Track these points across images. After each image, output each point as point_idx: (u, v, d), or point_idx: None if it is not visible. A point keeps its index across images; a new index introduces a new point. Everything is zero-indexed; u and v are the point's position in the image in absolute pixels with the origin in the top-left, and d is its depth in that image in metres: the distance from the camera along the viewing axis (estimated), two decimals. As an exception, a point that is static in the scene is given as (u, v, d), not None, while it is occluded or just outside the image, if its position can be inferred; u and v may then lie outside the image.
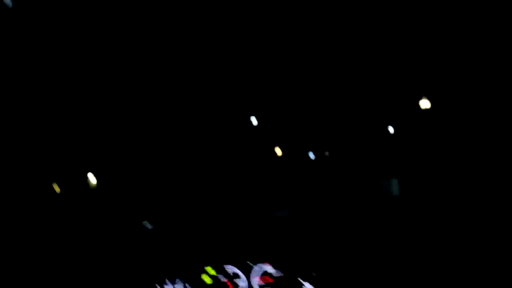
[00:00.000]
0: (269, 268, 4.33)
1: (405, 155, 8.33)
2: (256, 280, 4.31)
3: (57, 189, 6.48)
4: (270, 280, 4.27)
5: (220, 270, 4.40)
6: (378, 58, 8.92)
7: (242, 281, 4.35)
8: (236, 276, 4.36)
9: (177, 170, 6.70)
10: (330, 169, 7.46)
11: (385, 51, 8.92)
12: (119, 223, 4.87)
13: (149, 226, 4.84)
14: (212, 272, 4.38)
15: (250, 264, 4.31)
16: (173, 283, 4.39)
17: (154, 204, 5.60)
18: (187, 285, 4.37)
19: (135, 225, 4.74)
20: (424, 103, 8.92)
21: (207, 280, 4.37)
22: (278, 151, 7.37)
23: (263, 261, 4.38)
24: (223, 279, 4.35)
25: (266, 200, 5.61)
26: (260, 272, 4.31)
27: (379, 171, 8.13)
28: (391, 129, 8.75)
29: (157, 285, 4.42)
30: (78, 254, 4.62)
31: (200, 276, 4.40)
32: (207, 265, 4.44)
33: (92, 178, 6.80)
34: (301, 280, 4.24)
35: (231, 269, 4.39)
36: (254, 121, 7.61)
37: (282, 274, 4.26)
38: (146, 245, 4.67)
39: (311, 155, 7.41)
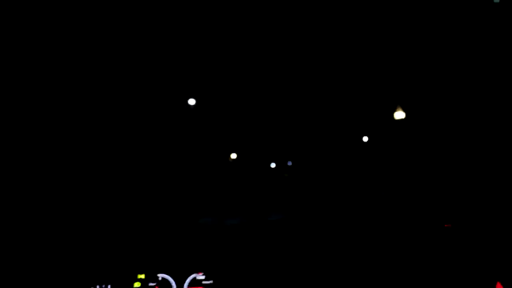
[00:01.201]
0: (200, 276, 4.11)
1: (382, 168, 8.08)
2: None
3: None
4: (200, 288, 4.05)
5: (152, 278, 4.19)
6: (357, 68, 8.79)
7: (172, 289, 4.14)
8: (168, 285, 4.14)
9: (120, 174, 6.51)
10: (290, 179, 7.27)
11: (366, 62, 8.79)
12: (55, 227, 4.67)
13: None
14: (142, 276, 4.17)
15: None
16: (104, 291, 4.18)
17: (91, 211, 5.39)
18: (118, 294, 4.16)
19: (70, 230, 4.54)
20: (399, 114, 8.73)
21: (137, 285, 4.17)
22: (234, 156, 7.16)
23: (198, 270, 4.17)
24: (153, 285, 4.14)
25: (216, 208, 5.41)
26: (191, 280, 4.09)
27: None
28: (365, 139, 8.56)
29: (87, 293, 4.21)
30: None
31: (132, 284, 4.20)
32: (140, 273, 4.24)
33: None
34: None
35: (163, 276, 4.18)
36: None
37: (212, 282, 4.03)
38: (80, 251, 4.46)
39: (273, 165, 7.22)
